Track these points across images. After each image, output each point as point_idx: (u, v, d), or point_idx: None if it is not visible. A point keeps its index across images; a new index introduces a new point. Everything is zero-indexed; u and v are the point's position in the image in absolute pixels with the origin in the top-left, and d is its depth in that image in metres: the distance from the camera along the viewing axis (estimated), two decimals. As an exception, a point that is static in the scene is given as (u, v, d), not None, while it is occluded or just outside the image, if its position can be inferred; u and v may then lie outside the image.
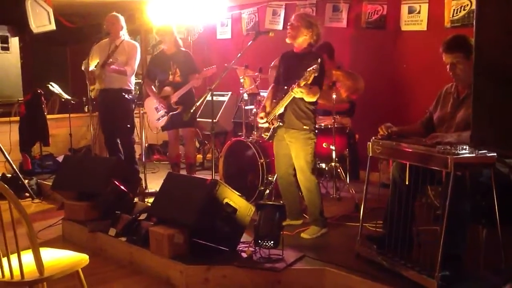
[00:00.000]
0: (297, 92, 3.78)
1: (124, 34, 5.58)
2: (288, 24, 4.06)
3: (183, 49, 5.48)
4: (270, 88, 4.29)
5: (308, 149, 3.97)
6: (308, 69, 3.66)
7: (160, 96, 5.35)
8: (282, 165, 4.18)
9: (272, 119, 4.08)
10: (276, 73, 4.30)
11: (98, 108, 5.83)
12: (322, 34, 4.01)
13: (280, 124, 4.03)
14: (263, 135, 4.22)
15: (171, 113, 5.28)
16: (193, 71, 5.35)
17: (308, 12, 6.06)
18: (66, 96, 7.19)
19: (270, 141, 4.19)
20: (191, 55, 5.52)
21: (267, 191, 4.75)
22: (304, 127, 3.96)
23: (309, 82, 3.70)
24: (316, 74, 3.65)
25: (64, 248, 2.86)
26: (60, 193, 5.03)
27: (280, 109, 4.01)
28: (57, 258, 2.68)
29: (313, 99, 3.90)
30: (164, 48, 5.38)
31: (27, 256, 2.52)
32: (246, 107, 5.44)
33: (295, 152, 4.02)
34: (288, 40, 4.02)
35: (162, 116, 5.35)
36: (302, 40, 3.97)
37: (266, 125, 4.14)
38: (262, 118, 4.15)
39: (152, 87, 5.43)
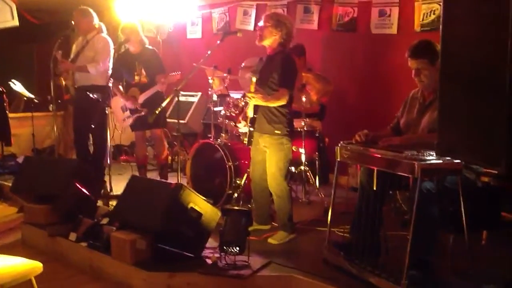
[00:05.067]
0: (250, 98, 3.75)
1: (98, 28, 5.38)
2: (257, 26, 3.98)
3: (149, 47, 5.26)
4: None
5: (281, 154, 3.87)
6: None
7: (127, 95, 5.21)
8: (257, 170, 4.09)
9: (246, 124, 4.03)
10: None
11: (73, 106, 5.67)
12: (292, 32, 3.89)
13: (251, 129, 3.96)
14: (244, 141, 4.15)
15: (136, 115, 5.14)
16: (160, 71, 5.15)
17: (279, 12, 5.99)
18: (28, 94, 6.94)
19: (249, 146, 4.10)
20: (157, 54, 5.30)
21: (235, 195, 4.66)
22: (276, 131, 3.87)
23: (252, 90, 3.68)
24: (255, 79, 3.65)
25: (23, 253, 2.77)
26: (19, 195, 4.84)
27: (249, 113, 3.94)
28: (9, 265, 2.56)
29: (279, 103, 3.81)
30: (130, 47, 5.19)
31: (-24, 264, 2.40)
32: (215, 109, 5.31)
33: (268, 157, 3.94)
34: (257, 43, 3.92)
35: (128, 117, 5.21)
36: (272, 41, 3.87)
37: (246, 129, 4.06)
38: (240, 122, 4.12)
39: (120, 86, 5.27)
